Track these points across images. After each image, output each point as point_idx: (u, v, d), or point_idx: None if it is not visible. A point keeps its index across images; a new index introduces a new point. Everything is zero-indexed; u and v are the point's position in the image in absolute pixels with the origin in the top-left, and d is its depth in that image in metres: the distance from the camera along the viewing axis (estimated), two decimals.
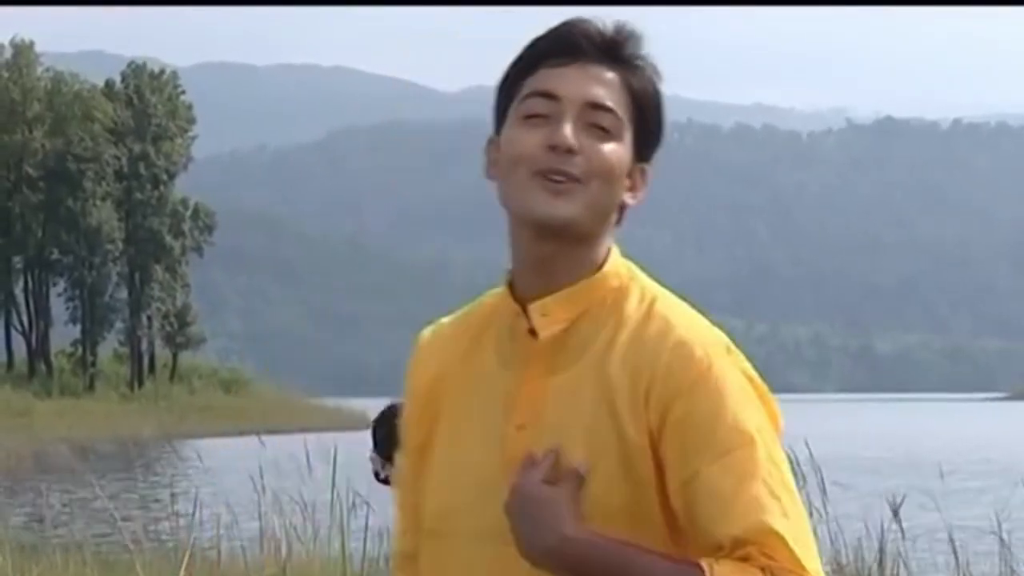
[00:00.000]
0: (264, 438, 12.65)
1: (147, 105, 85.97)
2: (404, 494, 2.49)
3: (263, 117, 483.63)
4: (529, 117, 2.31)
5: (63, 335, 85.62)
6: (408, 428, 2.47)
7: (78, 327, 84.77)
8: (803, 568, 2.18)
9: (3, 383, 75.35)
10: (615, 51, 2.33)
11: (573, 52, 2.32)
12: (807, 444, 10.49)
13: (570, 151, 2.28)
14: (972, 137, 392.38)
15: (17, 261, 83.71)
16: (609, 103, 2.31)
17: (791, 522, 2.20)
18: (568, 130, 2.28)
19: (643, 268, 2.39)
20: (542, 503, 2.23)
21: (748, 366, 2.30)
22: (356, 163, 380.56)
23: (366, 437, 5.90)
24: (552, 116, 2.29)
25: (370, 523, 11.36)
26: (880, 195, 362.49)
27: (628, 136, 2.33)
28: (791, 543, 2.18)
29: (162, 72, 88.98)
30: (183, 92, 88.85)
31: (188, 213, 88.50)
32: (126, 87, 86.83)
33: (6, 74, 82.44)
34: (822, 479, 10.91)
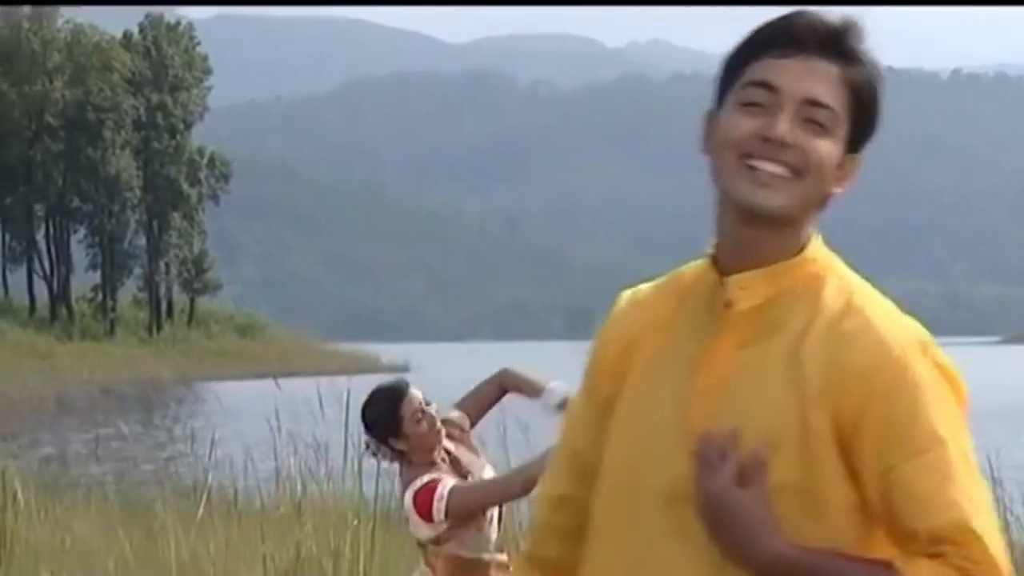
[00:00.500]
0: (280, 381, 12.86)
1: (164, 56, 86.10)
2: (571, 439, 2.54)
3: (279, 68, 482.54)
4: (747, 104, 2.33)
5: (83, 280, 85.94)
6: (594, 380, 2.51)
7: (98, 273, 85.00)
8: (1000, 571, 2.22)
9: (26, 327, 75.63)
10: (838, 44, 2.34)
11: (797, 44, 2.33)
12: None
13: (784, 145, 2.30)
14: (972, 87, 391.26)
15: (39, 209, 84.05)
16: (826, 100, 2.32)
17: (984, 519, 2.23)
18: (784, 124, 2.30)
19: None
20: (741, 515, 2.26)
21: (940, 356, 2.32)
22: (369, 113, 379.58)
23: (378, 381, 5.72)
24: (770, 107, 2.32)
25: (383, 464, 11.60)
26: (881, 144, 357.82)
27: (843, 130, 2.35)
28: (989, 545, 2.21)
29: (178, 24, 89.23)
30: (199, 43, 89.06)
31: (205, 162, 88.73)
32: (144, 38, 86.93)
33: (27, 25, 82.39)
34: None
